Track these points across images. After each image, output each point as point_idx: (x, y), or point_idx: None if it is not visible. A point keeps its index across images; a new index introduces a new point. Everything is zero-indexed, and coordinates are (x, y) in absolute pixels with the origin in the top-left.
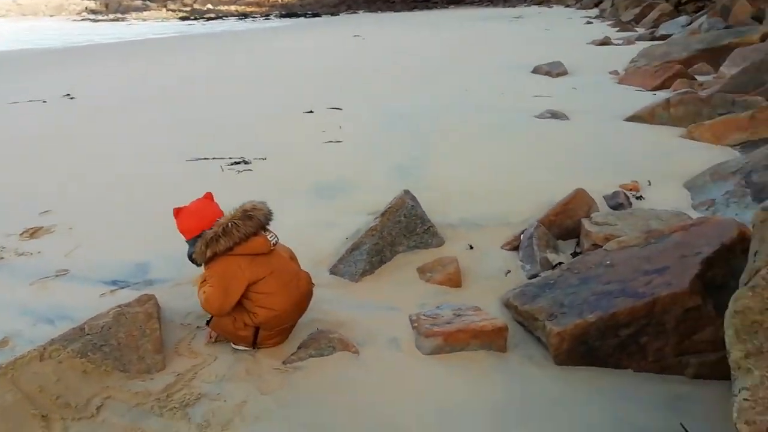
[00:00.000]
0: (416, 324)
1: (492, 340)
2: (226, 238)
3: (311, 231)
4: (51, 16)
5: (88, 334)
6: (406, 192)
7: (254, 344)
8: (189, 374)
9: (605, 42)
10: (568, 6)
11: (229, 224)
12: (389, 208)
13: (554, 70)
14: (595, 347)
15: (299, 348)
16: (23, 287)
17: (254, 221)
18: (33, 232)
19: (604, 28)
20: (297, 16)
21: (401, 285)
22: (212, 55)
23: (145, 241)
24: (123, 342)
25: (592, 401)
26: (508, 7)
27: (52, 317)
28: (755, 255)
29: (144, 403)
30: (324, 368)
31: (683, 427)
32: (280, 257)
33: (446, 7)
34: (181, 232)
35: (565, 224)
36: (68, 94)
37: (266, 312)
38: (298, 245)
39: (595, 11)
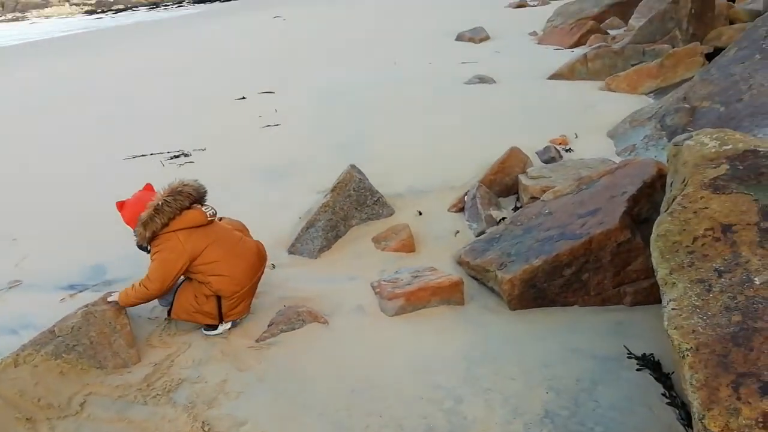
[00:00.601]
0: (378, 290)
1: (450, 295)
2: (160, 215)
3: (263, 215)
4: None
5: (59, 336)
6: (353, 166)
7: (221, 318)
8: (166, 363)
9: (522, 4)
10: None
11: (160, 202)
12: (338, 183)
13: (477, 36)
14: (543, 289)
15: (269, 325)
16: None
17: (185, 196)
18: None
19: None
20: (211, 0)
21: (359, 256)
22: (129, 50)
23: (96, 243)
24: (95, 340)
25: (545, 337)
26: None
27: (15, 327)
28: (671, 185)
29: (126, 395)
30: (296, 340)
31: (627, 349)
32: (220, 227)
33: None
34: (127, 223)
35: (504, 182)
36: None
37: (218, 279)
38: (253, 230)
39: None
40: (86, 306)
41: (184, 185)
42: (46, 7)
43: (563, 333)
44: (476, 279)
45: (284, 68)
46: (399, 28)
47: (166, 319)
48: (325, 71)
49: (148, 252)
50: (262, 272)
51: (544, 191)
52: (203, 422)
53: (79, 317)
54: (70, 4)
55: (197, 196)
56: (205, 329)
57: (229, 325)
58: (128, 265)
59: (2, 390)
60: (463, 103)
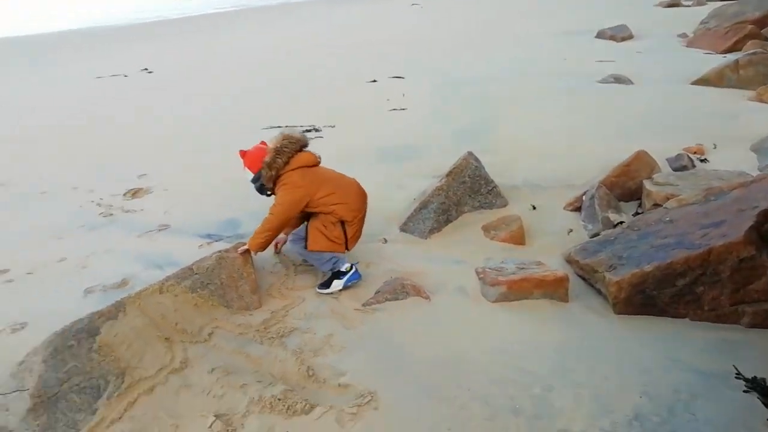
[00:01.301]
0: (482, 275)
1: (554, 289)
2: (281, 155)
3: (380, 192)
4: None
5: (196, 274)
6: (470, 153)
7: (346, 244)
8: (282, 312)
9: (674, 3)
10: None
11: (279, 145)
12: (454, 168)
13: (619, 34)
14: (652, 296)
15: (376, 293)
16: (133, 239)
17: (294, 142)
18: (134, 193)
19: None
20: None
21: (467, 242)
22: (275, 29)
23: (231, 200)
24: (225, 282)
25: (648, 344)
26: None
27: (161, 263)
28: None
29: (246, 333)
30: (399, 310)
31: (735, 368)
32: (324, 168)
33: None
34: (248, 167)
35: (626, 185)
36: (146, 69)
37: (340, 206)
38: (374, 205)
39: None
40: (220, 252)
41: (292, 135)
42: None
43: (668, 342)
44: (584, 279)
45: (416, 54)
46: (537, 22)
47: (285, 274)
48: (456, 60)
49: (268, 195)
50: (367, 203)
51: (669, 199)
52: (308, 367)
53: (213, 260)
54: None
55: (303, 143)
56: (319, 288)
57: (341, 285)
58: (258, 221)
59: (149, 311)
60: (593, 102)
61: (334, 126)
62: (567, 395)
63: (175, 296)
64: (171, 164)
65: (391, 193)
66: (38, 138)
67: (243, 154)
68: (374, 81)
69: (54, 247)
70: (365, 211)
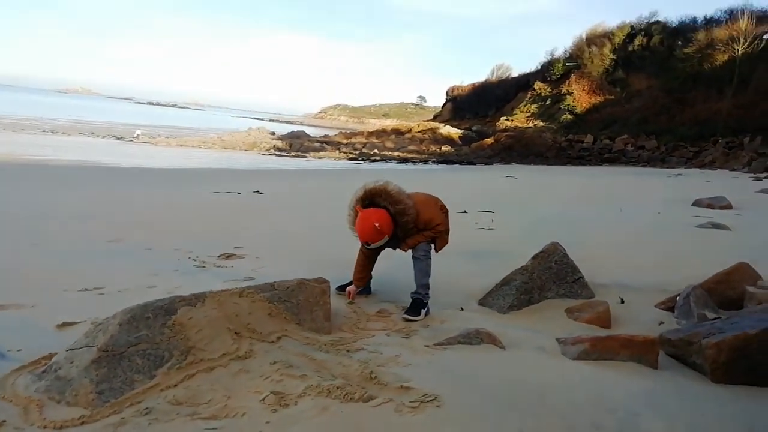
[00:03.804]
0: (562, 341)
1: (643, 352)
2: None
3: (465, 277)
4: (245, 150)
5: (276, 290)
6: (557, 243)
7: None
8: (351, 339)
9: None
10: (734, 169)
11: (397, 207)
12: (541, 252)
13: (717, 204)
14: (758, 362)
15: (448, 338)
16: (219, 284)
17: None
18: (228, 256)
19: None
20: (453, 162)
21: (548, 320)
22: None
23: (309, 265)
24: (302, 303)
25: (751, 417)
26: (667, 167)
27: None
28: None
29: (314, 344)
30: (470, 352)
31: None
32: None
33: (601, 164)
34: (384, 231)
35: (726, 294)
36: (258, 191)
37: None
38: (454, 284)
39: (765, 175)
40: (301, 279)
41: (377, 188)
42: (321, 150)
43: None
44: (676, 357)
45: (512, 203)
46: (628, 195)
47: (358, 318)
48: (546, 209)
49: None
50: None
51: None
52: (371, 371)
53: (295, 284)
54: (339, 152)
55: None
56: (407, 314)
57: (426, 313)
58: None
59: (225, 307)
60: (689, 239)
61: None
62: (654, 421)
63: (252, 302)
64: (265, 244)
65: (475, 278)
66: (154, 221)
67: (369, 221)
68: (464, 212)
69: (147, 281)
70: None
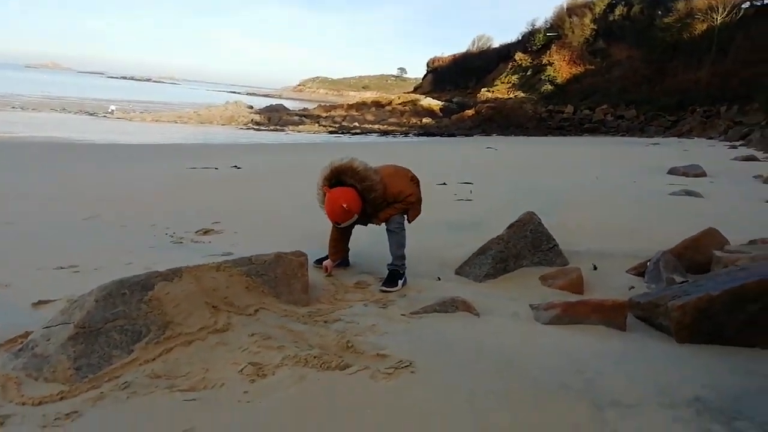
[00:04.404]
0: (536, 306)
1: (611, 316)
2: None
3: (442, 248)
4: (222, 125)
5: (253, 264)
6: (532, 212)
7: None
8: (328, 310)
9: (750, 158)
10: (711, 138)
11: (364, 183)
12: (516, 222)
13: (691, 171)
14: (720, 323)
15: (424, 306)
16: (197, 258)
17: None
18: (205, 232)
19: (750, 152)
20: (433, 135)
21: (523, 287)
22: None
23: (287, 240)
24: (279, 276)
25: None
26: (645, 137)
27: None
28: None
29: (291, 316)
30: (446, 320)
31: None
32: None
33: (581, 135)
34: (352, 209)
35: (694, 258)
36: (235, 165)
37: (414, 197)
38: (430, 257)
39: (740, 142)
40: (279, 252)
41: (343, 165)
42: (301, 124)
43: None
44: (644, 320)
45: (491, 174)
46: (607, 163)
47: (336, 291)
48: (524, 180)
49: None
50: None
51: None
52: (348, 341)
53: (272, 257)
54: (319, 125)
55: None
56: (383, 286)
57: (403, 283)
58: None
59: (203, 281)
60: (662, 204)
61: None
62: (619, 379)
63: (230, 276)
64: (241, 218)
65: (451, 249)
66: (129, 197)
67: (337, 203)
68: (444, 184)
69: (123, 258)
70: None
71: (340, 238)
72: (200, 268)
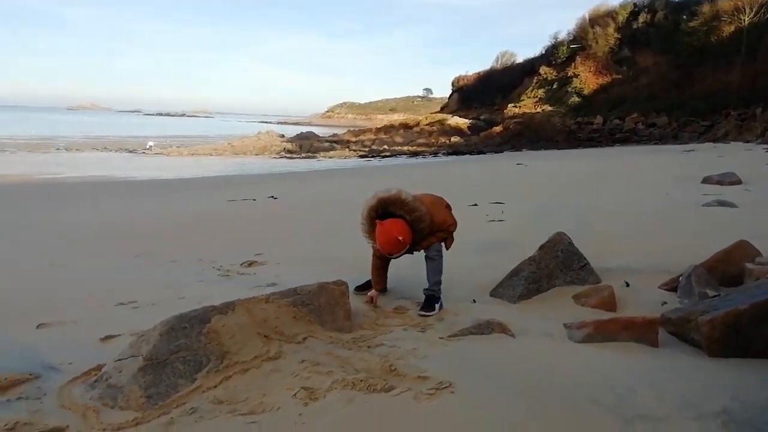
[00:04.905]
0: (569, 326)
1: (643, 333)
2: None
3: (476, 270)
4: (256, 155)
5: (298, 294)
6: (563, 233)
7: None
8: (371, 335)
9: None
10: (747, 141)
11: (413, 214)
12: (547, 242)
13: (726, 179)
14: (749, 337)
15: (461, 330)
16: (245, 291)
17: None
18: (250, 264)
19: None
20: (462, 153)
21: (556, 308)
22: (387, 179)
23: (326, 268)
24: (323, 305)
25: (737, 386)
26: (679, 143)
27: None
28: None
29: (337, 342)
30: (482, 342)
31: None
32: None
33: (611, 145)
34: (404, 240)
35: (727, 271)
36: (272, 196)
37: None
38: (466, 277)
39: None
40: (321, 282)
41: (390, 197)
42: (331, 150)
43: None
44: (676, 335)
45: (522, 192)
46: (640, 175)
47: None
48: (555, 197)
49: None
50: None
51: None
52: (391, 365)
53: (315, 287)
54: (349, 150)
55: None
56: (422, 311)
57: (440, 307)
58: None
59: (254, 313)
60: (694, 217)
61: None
62: (649, 393)
63: (278, 307)
64: (285, 249)
65: (483, 271)
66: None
67: (392, 236)
68: (475, 205)
69: (176, 292)
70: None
71: (383, 267)
72: (251, 301)
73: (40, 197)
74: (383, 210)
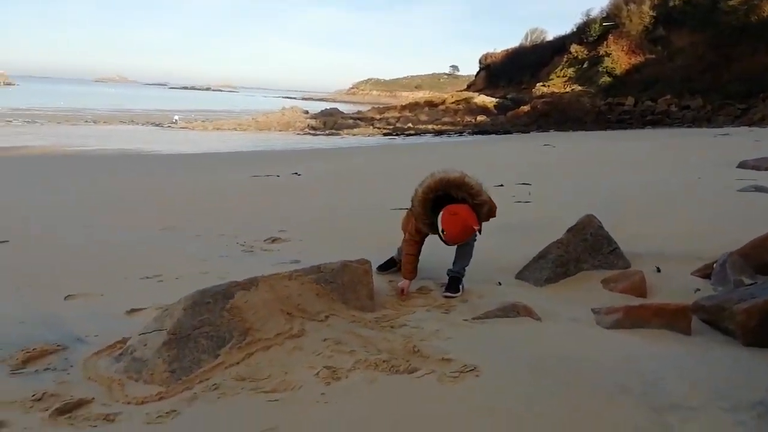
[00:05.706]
0: (597, 310)
1: (674, 320)
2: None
3: (502, 252)
4: (280, 131)
5: (322, 272)
6: (592, 215)
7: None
8: (394, 315)
9: None
10: None
11: (480, 197)
12: (576, 225)
13: (763, 165)
14: None
15: (486, 312)
16: (268, 267)
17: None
18: (273, 240)
19: None
20: (488, 133)
21: (584, 292)
22: (410, 157)
23: (349, 246)
24: (346, 284)
25: None
26: (713, 127)
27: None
28: None
29: (359, 322)
30: (507, 325)
31: None
32: None
33: (642, 128)
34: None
35: (764, 258)
36: (296, 172)
37: None
38: (491, 259)
39: None
40: (345, 260)
41: (450, 178)
42: (355, 128)
43: None
44: (709, 323)
45: (549, 174)
46: (671, 158)
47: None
48: (583, 179)
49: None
50: None
51: None
52: (414, 346)
53: (339, 265)
54: (373, 128)
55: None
56: (446, 291)
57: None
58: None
59: (277, 289)
60: (730, 201)
61: None
62: (680, 382)
63: (301, 284)
64: (307, 226)
65: (508, 251)
66: (200, 206)
67: (468, 223)
68: (501, 185)
69: (199, 266)
70: None
71: (418, 254)
72: (274, 277)
73: (70, 169)
74: (443, 191)
